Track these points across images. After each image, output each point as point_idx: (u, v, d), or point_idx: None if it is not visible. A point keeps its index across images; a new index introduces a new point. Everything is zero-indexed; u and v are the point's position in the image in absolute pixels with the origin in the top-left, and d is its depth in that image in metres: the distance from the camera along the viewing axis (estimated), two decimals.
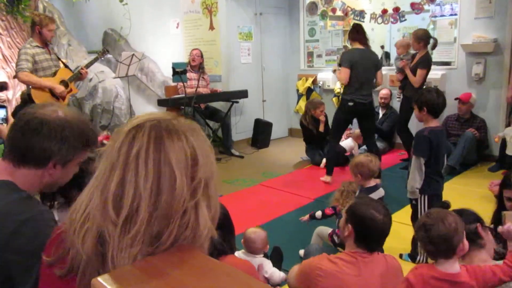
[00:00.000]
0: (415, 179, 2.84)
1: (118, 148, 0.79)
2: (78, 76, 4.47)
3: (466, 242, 1.74)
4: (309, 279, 1.80)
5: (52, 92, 4.21)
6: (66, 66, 4.55)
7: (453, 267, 1.72)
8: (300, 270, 1.90)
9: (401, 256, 3.02)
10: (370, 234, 1.79)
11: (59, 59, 4.51)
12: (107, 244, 0.77)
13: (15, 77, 4.57)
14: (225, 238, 1.81)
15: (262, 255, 2.43)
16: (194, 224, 0.79)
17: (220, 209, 1.80)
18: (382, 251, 2.04)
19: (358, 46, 4.59)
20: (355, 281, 1.73)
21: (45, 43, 4.29)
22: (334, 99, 6.64)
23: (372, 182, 2.89)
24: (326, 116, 5.64)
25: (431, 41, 4.88)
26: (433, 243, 1.72)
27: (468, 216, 1.94)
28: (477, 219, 1.95)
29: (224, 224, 1.82)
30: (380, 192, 2.89)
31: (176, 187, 0.77)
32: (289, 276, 2.01)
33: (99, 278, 0.70)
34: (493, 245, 1.99)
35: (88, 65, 4.66)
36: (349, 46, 6.94)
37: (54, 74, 4.31)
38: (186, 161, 0.79)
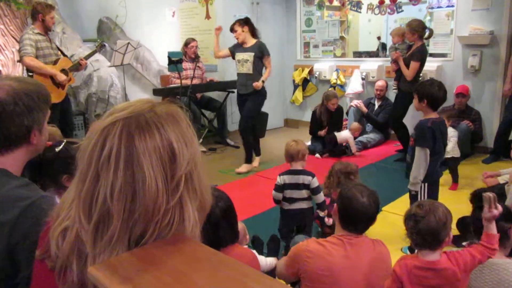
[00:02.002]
0: (419, 171, 2.82)
1: (91, 149, 0.76)
2: (78, 66, 4.66)
3: (451, 235, 1.78)
4: (298, 262, 1.83)
5: (53, 79, 4.36)
6: (65, 55, 4.70)
7: (434, 256, 1.76)
8: (289, 255, 1.93)
9: (401, 249, 3.03)
10: (350, 215, 1.81)
11: (58, 48, 4.67)
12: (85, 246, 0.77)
13: (19, 61, 4.72)
14: (232, 227, 1.84)
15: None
16: (179, 221, 0.78)
17: (226, 200, 1.82)
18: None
19: (254, 39, 4.86)
20: (342, 262, 1.76)
21: (46, 31, 4.44)
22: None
23: (296, 166, 2.93)
24: (339, 110, 5.71)
25: (426, 31, 4.78)
26: (420, 234, 1.75)
27: (507, 214, 1.96)
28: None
29: (230, 213, 1.85)
30: (304, 179, 2.88)
31: (151, 190, 0.74)
32: (279, 265, 2.03)
33: (96, 267, 0.71)
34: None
35: (87, 57, 4.85)
36: (346, 37, 6.96)
37: (55, 62, 4.47)
38: (161, 160, 0.75)
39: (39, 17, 4.33)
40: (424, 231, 1.73)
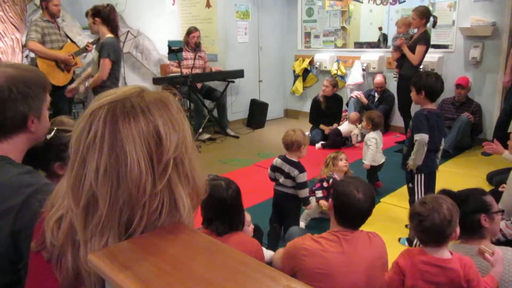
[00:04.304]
0: (419, 158, 2.88)
1: (78, 134, 0.77)
2: (84, 51, 4.80)
3: (458, 230, 1.75)
4: (294, 259, 1.82)
5: (57, 63, 4.53)
6: (73, 42, 4.89)
7: (444, 253, 1.73)
8: (285, 251, 1.92)
9: (399, 240, 3.04)
10: (345, 211, 1.82)
11: (67, 35, 4.82)
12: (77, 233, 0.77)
13: (24, 46, 4.91)
14: (240, 212, 1.87)
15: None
16: (169, 206, 0.77)
17: (235, 185, 1.84)
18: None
19: (109, 34, 3.87)
20: (339, 258, 1.76)
21: (54, 19, 4.65)
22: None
23: (291, 156, 2.98)
24: (338, 99, 5.74)
25: (431, 19, 4.87)
26: (425, 232, 1.72)
27: (474, 204, 1.92)
28: (484, 208, 1.93)
29: (239, 198, 1.88)
30: (290, 170, 2.94)
31: (133, 173, 0.73)
32: (275, 259, 2.03)
33: (96, 254, 0.71)
34: (498, 226, 2.01)
35: (93, 42, 4.92)
36: (347, 27, 6.92)
37: (61, 48, 4.66)
38: (145, 144, 0.75)
39: (43, 4, 4.54)
40: (428, 230, 1.70)
